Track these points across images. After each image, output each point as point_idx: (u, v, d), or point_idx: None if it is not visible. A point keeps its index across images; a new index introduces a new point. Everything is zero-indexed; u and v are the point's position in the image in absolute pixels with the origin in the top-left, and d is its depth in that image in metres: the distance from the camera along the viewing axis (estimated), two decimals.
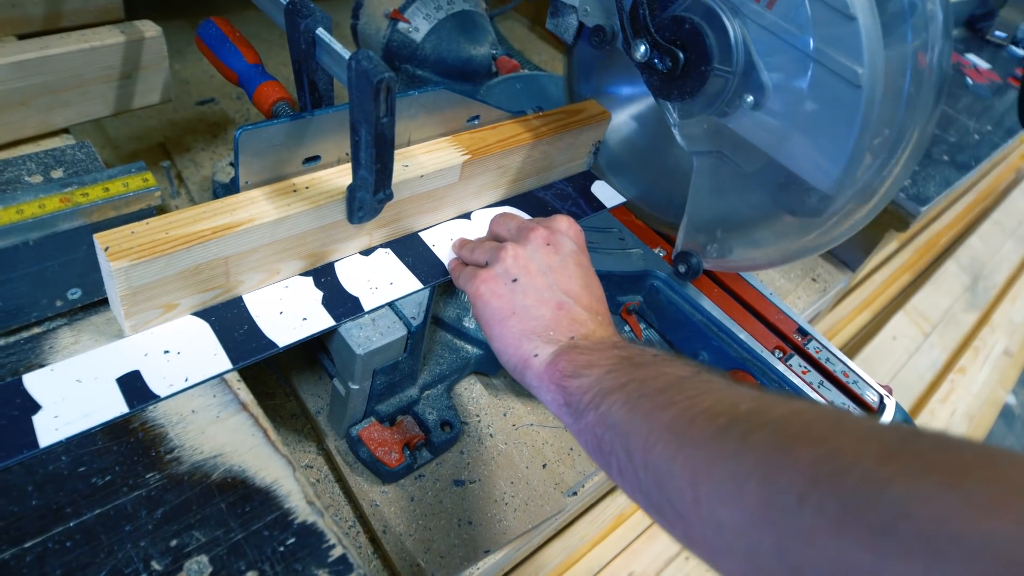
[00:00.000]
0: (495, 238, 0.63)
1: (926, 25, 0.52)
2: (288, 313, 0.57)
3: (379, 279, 0.61)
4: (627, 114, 0.79)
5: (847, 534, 0.27)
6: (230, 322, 0.55)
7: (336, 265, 0.61)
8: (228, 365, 0.52)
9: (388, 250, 0.64)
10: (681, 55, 0.60)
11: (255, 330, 0.55)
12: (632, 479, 0.41)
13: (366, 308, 0.58)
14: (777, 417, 0.35)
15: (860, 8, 0.51)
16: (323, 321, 0.57)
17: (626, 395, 0.43)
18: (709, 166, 0.65)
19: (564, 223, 0.60)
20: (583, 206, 0.76)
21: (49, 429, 0.47)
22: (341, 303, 0.58)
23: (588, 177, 0.80)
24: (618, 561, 0.76)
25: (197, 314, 0.55)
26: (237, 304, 0.56)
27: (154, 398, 0.50)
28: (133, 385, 0.50)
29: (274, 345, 0.54)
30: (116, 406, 0.49)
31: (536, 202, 0.74)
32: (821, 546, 0.28)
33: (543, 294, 0.54)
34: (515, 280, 0.55)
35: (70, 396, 0.49)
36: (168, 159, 0.86)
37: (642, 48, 0.61)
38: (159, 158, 0.86)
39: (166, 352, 0.52)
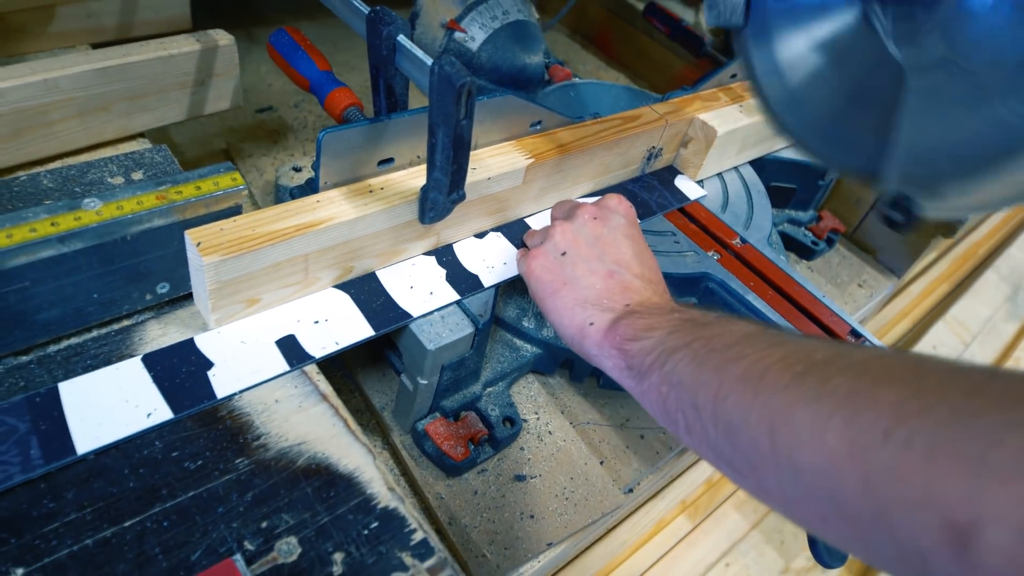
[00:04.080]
0: (554, 221, 0.65)
1: None
2: (417, 288, 0.62)
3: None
4: (812, 36, 0.64)
5: (937, 465, 0.27)
6: (367, 294, 0.60)
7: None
8: (371, 332, 0.58)
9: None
10: None
11: (390, 302, 0.60)
12: (700, 436, 0.40)
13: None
14: (856, 362, 0.34)
15: None
16: (449, 295, 0.62)
17: (692, 352, 0.43)
18: (931, 83, 0.53)
19: (613, 200, 0.61)
20: (669, 197, 0.81)
21: (223, 383, 0.52)
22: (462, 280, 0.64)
23: (672, 171, 0.85)
24: (658, 567, 0.77)
25: (338, 287, 0.60)
26: (372, 279, 0.62)
27: (310, 359, 0.55)
28: (290, 347, 0.55)
29: (409, 315, 0.59)
30: (278, 364, 0.54)
31: (626, 193, 0.79)
32: (909, 479, 0.28)
33: (592, 264, 0.55)
34: (564, 253, 0.56)
35: (237, 355, 0.54)
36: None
37: None
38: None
39: (316, 321, 0.57)
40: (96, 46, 0.79)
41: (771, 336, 0.41)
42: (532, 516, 0.64)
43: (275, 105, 1.00)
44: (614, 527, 0.74)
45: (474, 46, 0.88)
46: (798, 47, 0.64)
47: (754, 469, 0.37)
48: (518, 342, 0.72)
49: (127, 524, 0.45)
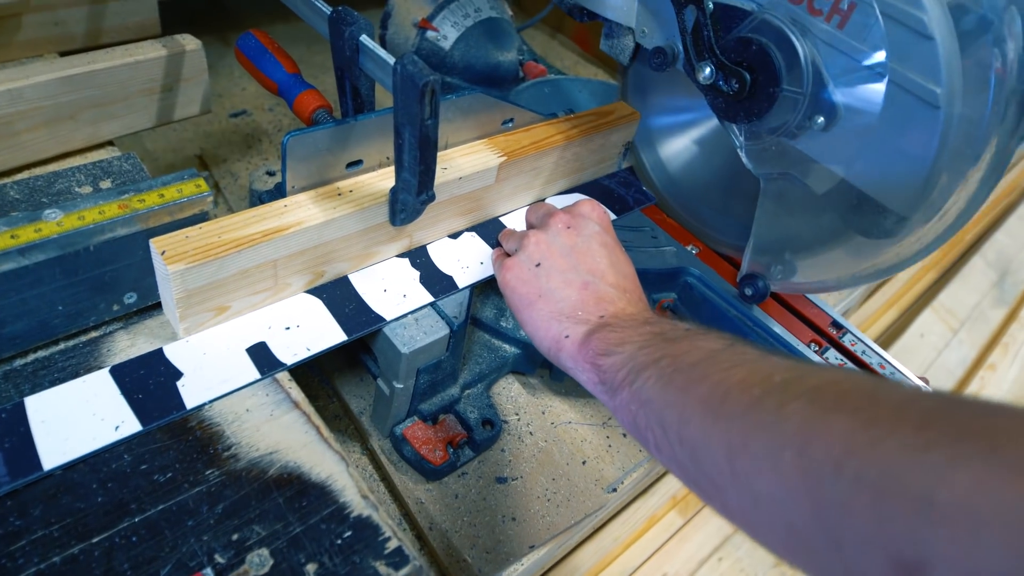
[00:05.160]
0: (528, 227, 0.65)
1: (1005, 39, 0.50)
2: (391, 291, 0.61)
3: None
4: (687, 137, 0.78)
5: (886, 502, 0.27)
6: (339, 299, 0.59)
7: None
8: (343, 337, 0.57)
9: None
10: (748, 77, 0.59)
11: (363, 306, 0.59)
12: (668, 453, 0.41)
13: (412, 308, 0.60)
14: (812, 387, 0.34)
15: (938, 27, 0.49)
16: (423, 297, 0.62)
17: (659, 370, 0.43)
18: (777, 188, 0.63)
19: (587, 207, 0.61)
20: (646, 193, 0.80)
21: (193, 393, 0.51)
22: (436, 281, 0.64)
23: None
24: (651, 563, 0.76)
25: (310, 291, 0.59)
26: (344, 283, 0.61)
27: (281, 366, 0.54)
28: (261, 354, 0.54)
29: (382, 319, 0.58)
30: (249, 373, 0.53)
31: (602, 190, 0.78)
32: (860, 514, 0.28)
33: (567, 276, 0.55)
34: (538, 264, 0.56)
35: (207, 364, 0.53)
36: (205, 170, 0.88)
37: (707, 70, 0.60)
38: (196, 169, 0.88)
39: (287, 327, 0.56)
40: (64, 54, 0.78)
41: (735, 354, 0.41)
42: (514, 518, 0.63)
43: (249, 109, 0.99)
44: (605, 523, 0.74)
45: (447, 44, 0.87)
46: (675, 146, 0.79)
47: (718, 491, 0.37)
48: (496, 342, 0.71)
49: (95, 540, 0.44)
